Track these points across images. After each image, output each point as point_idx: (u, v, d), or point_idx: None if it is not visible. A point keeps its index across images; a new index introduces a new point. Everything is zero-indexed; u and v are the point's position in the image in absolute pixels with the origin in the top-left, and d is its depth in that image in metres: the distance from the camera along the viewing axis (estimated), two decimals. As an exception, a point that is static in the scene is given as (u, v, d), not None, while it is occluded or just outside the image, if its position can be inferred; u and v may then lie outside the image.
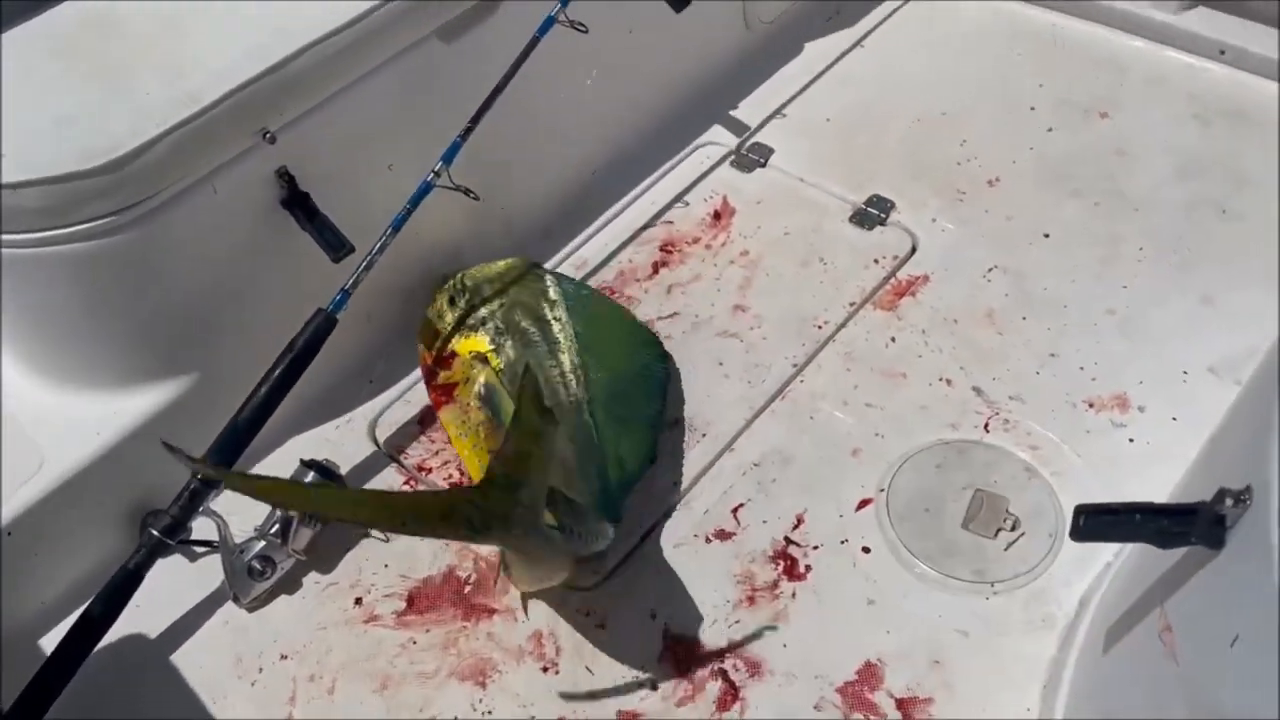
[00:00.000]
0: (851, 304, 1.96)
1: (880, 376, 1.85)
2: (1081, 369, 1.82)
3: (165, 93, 1.53)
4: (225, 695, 1.54)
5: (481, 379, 1.79)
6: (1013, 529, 1.62)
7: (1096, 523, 0.95)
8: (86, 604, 1.49)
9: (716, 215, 2.16)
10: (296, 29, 1.62)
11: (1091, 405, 1.76)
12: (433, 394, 1.83)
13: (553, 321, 1.86)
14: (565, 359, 1.81)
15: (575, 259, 2.10)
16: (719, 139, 2.31)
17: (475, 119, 1.71)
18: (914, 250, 2.05)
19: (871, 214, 2.11)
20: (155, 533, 1.51)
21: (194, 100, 1.53)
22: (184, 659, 1.59)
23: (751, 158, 2.27)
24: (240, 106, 1.56)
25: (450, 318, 1.88)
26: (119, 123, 1.49)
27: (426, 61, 1.78)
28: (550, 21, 1.75)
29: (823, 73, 2.44)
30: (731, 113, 2.36)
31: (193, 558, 1.65)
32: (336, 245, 1.64)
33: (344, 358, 1.83)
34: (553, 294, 1.90)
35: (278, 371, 1.58)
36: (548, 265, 2.07)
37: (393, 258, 1.68)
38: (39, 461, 1.58)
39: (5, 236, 1.45)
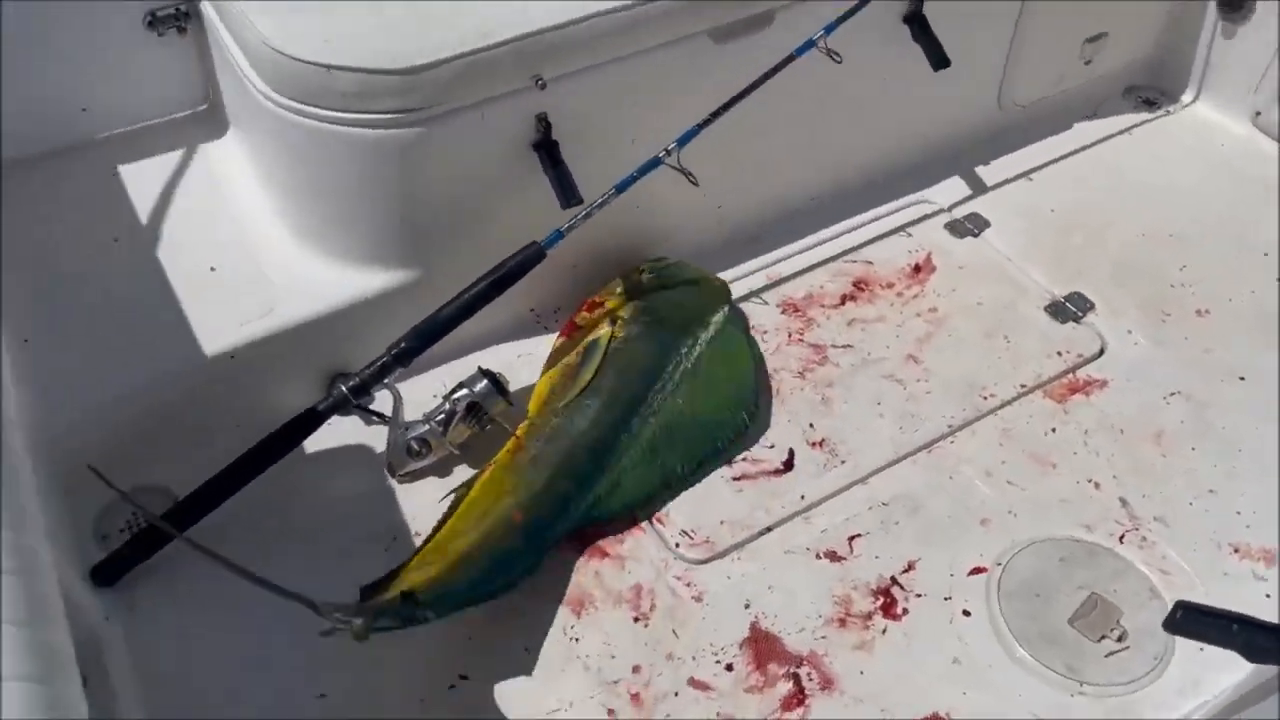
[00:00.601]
0: (1023, 386, 1.98)
1: (1030, 460, 1.87)
2: (1238, 513, 1.78)
3: (467, 23, 1.74)
4: (357, 553, 1.71)
5: (599, 334, 1.89)
6: (1119, 639, 1.62)
7: (1192, 620, 0.98)
8: (268, 434, 1.71)
9: (917, 269, 2.22)
10: (590, -2, 1.79)
11: (1237, 550, 1.73)
12: (566, 324, 1.97)
13: (689, 340, 1.90)
14: (668, 368, 1.86)
15: (771, 270, 2.20)
16: (940, 199, 2.37)
17: (716, 114, 1.83)
18: (1101, 353, 2.05)
19: (1068, 309, 2.13)
20: (344, 389, 1.71)
21: (487, 36, 1.72)
22: (331, 510, 1.77)
23: (966, 225, 2.31)
24: (524, 50, 1.74)
25: (631, 281, 2.00)
26: (424, 39, 1.70)
27: (693, 55, 1.93)
28: (809, 44, 1.86)
29: (1058, 161, 2.47)
30: (960, 177, 2.41)
31: (367, 421, 1.84)
32: (569, 194, 1.81)
33: (543, 295, 2.00)
34: (711, 320, 1.95)
35: (484, 284, 1.75)
36: (744, 268, 2.18)
37: (608, 218, 1.80)
38: (270, 307, 1.82)
39: (310, 109, 1.69)
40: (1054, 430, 1.92)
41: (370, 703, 1.54)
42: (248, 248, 1.90)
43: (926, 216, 2.33)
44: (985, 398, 1.96)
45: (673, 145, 1.81)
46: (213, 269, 1.87)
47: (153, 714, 1.50)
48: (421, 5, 1.79)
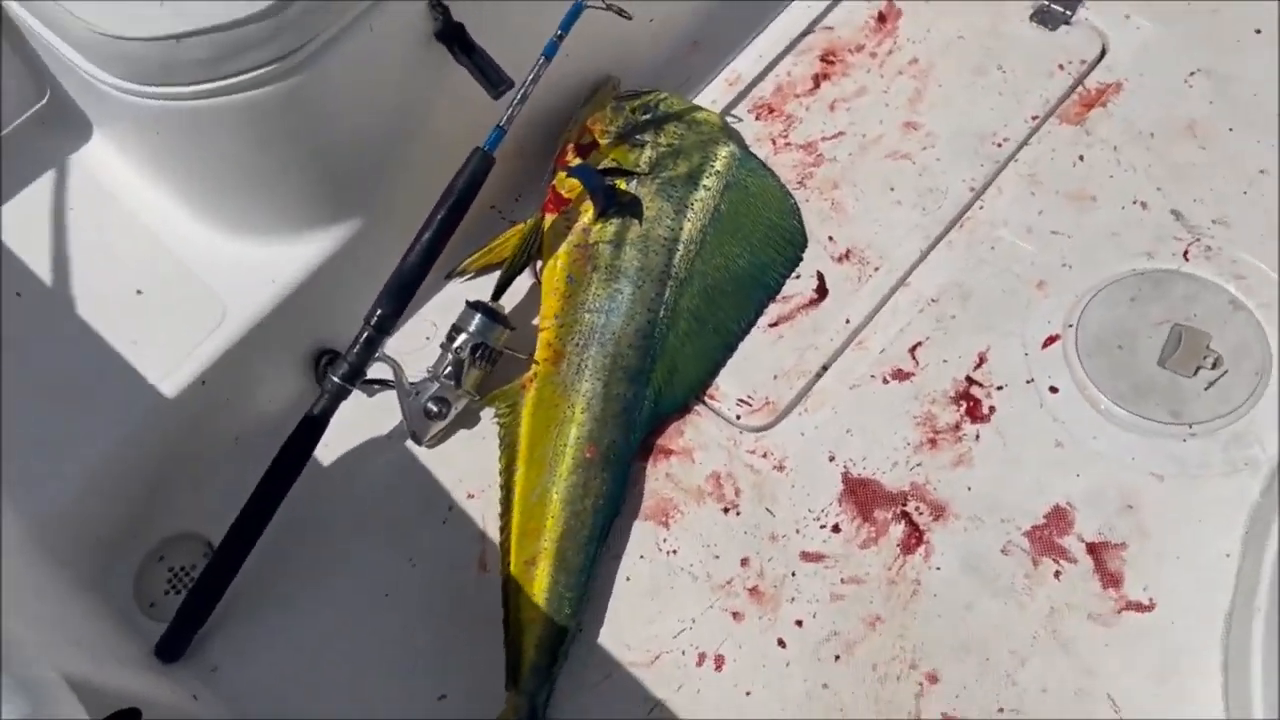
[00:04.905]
0: (1034, 118, 1.80)
1: (1066, 200, 1.72)
2: (1298, 186, 1.66)
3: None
4: (416, 533, 1.59)
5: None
6: (1214, 366, 1.54)
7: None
8: (277, 452, 1.54)
9: (881, 18, 1.98)
10: None
11: (1309, 227, 1.62)
12: (551, 193, 1.74)
13: (701, 187, 1.72)
14: (686, 227, 1.69)
15: (728, 73, 1.95)
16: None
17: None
18: (1104, 53, 1.86)
19: (1056, 11, 1.91)
20: (336, 379, 1.53)
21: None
22: (373, 498, 1.63)
23: (916, -51, 2.05)
24: (385, -66, 1.44)
25: (613, 123, 1.78)
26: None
27: None
28: None
29: None
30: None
31: (370, 393, 1.67)
32: (495, 80, 1.55)
33: (499, 190, 1.78)
34: (719, 165, 1.74)
35: (440, 215, 1.55)
36: (699, 82, 1.94)
37: (543, 88, 1.58)
38: (222, 313, 1.60)
39: (170, 89, 1.41)
40: (1081, 158, 1.76)
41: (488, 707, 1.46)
42: (168, 257, 1.65)
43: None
44: (999, 144, 1.79)
45: (588, -18, 1.54)
46: (139, 292, 1.64)
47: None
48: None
